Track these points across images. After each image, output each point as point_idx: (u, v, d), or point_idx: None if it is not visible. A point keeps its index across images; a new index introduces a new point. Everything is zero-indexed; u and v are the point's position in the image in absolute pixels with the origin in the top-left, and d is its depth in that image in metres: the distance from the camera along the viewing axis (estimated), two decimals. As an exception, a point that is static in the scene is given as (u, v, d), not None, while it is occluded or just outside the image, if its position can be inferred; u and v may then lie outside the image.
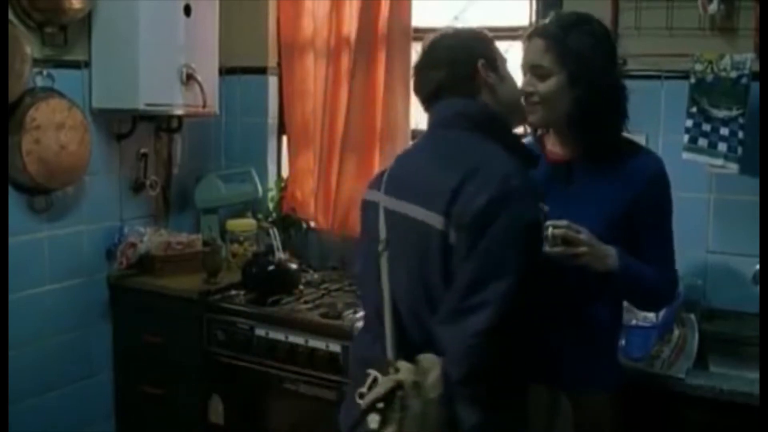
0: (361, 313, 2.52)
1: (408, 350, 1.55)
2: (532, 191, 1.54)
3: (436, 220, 1.51)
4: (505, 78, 1.70)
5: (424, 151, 1.68)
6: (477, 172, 1.50)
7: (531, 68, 1.77)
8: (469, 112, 1.62)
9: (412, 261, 1.56)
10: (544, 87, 1.75)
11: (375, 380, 1.53)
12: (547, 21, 1.80)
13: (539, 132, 1.90)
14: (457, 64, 1.64)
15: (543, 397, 1.68)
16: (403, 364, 1.51)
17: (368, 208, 1.72)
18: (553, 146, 1.86)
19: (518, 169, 1.56)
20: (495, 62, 1.68)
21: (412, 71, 1.73)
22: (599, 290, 1.75)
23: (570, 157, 1.81)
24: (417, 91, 1.73)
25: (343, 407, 1.74)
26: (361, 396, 1.53)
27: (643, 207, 1.76)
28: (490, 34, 1.73)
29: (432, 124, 1.69)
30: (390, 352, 1.57)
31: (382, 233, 1.63)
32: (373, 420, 1.49)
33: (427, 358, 1.50)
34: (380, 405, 1.48)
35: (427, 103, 1.70)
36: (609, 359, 1.86)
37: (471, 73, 1.64)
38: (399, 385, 1.48)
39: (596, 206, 1.72)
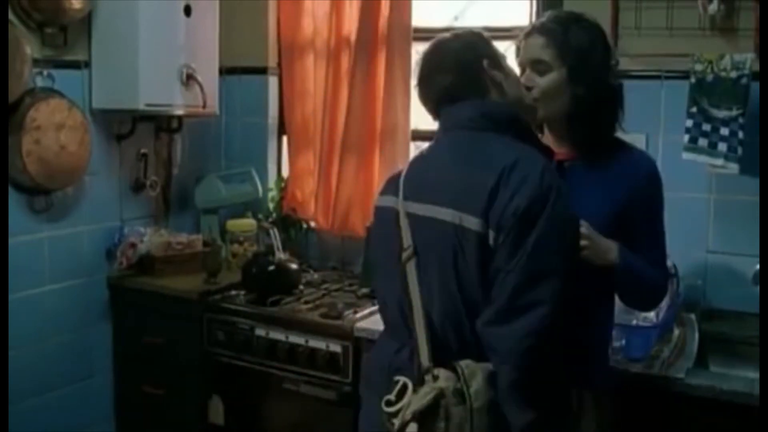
0: (361, 313, 2.53)
1: (443, 357, 1.51)
2: (564, 187, 1.54)
3: (472, 222, 1.49)
4: (510, 74, 1.70)
5: (444, 154, 1.64)
6: (513, 170, 1.49)
7: (531, 64, 1.77)
8: (489, 112, 1.61)
9: (445, 265, 1.53)
10: (544, 81, 1.75)
11: (404, 387, 1.49)
12: (544, 19, 1.81)
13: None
14: (464, 66, 1.63)
15: (572, 395, 1.68)
16: (442, 372, 1.48)
17: (384, 215, 1.68)
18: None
19: (549, 165, 1.56)
20: (498, 60, 1.67)
21: (416, 80, 1.71)
22: (599, 287, 1.75)
23: (564, 156, 1.80)
24: (425, 99, 1.70)
25: (363, 415, 1.71)
26: (389, 403, 1.49)
27: (636, 206, 1.77)
28: (490, 34, 1.73)
29: (447, 126, 1.67)
30: (425, 360, 1.51)
31: (407, 240, 1.59)
32: (411, 428, 1.45)
33: (469, 365, 1.47)
34: (417, 413, 1.44)
35: (437, 108, 1.68)
36: (603, 359, 1.86)
37: (478, 74, 1.63)
38: (441, 394, 1.45)
39: (591, 205, 1.72)
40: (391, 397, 1.49)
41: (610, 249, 1.71)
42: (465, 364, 1.47)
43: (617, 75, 1.84)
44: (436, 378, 1.47)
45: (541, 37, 1.75)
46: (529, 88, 1.74)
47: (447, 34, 1.72)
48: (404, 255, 1.58)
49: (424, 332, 1.53)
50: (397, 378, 1.52)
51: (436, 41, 1.70)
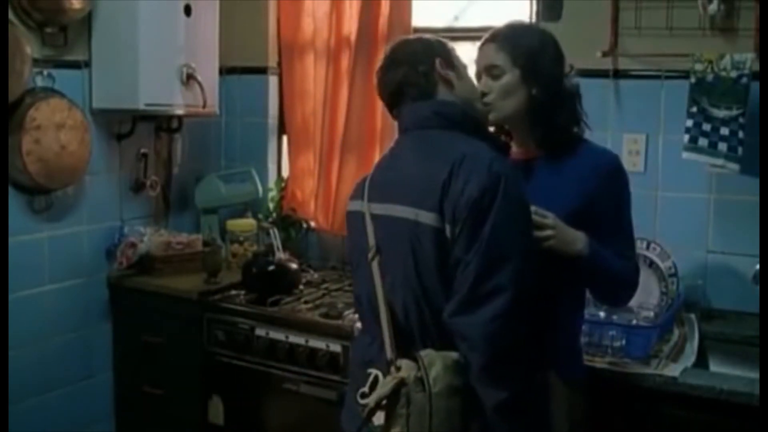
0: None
1: (407, 348, 1.59)
2: (517, 174, 1.62)
3: (428, 217, 1.56)
4: (464, 78, 1.77)
5: (402, 154, 1.72)
6: (463, 163, 1.56)
7: (486, 70, 1.84)
8: (440, 111, 1.69)
9: (405, 261, 1.60)
10: (498, 84, 1.81)
11: (376, 379, 1.57)
12: (497, 29, 1.87)
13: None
14: (416, 61, 1.72)
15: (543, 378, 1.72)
16: (404, 362, 1.56)
17: (353, 219, 1.77)
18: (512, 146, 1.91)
19: (500, 155, 1.63)
20: (452, 61, 1.75)
21: (375, 74, 1.79)
22: (563, 278, 1.77)
23: (527, 156, 1.86)
24: (380, 91, 1.78)
25: (345, 409, 1.78)
26: (363, 396, 1.56)
27: (601, 203, 1.80)
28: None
29: (406, 126, 1.74)
30: (389, 353, 1.59)
31: (371, 240, 1.67)
32: (379, 417, 1.54)
33: (428, 354, 1.54)
34: (384, 402, 1.53)
35: (390, 103, 1.77)
36: (570, 352, 1.87)
37: (429, 70, 1.71)
38: (403, 382, 1.52)
39: (557, 201, 1.75)
40: (365, 389, 1.57)
41: (578, 239, 1.75)
42: (425, 354, 1.55)
43: (571, 79, 1.88)
44: (398, 368, 1.55)
45: (494, 44, 1.83)
46: (485, 94, 1.81)
47: (411, 35, 1.82)
48: (369, 255, 1.66)
49: (388, 326, 1.61)
50: (369, 371, 1.60)
51: (400, 39, 1.81)
